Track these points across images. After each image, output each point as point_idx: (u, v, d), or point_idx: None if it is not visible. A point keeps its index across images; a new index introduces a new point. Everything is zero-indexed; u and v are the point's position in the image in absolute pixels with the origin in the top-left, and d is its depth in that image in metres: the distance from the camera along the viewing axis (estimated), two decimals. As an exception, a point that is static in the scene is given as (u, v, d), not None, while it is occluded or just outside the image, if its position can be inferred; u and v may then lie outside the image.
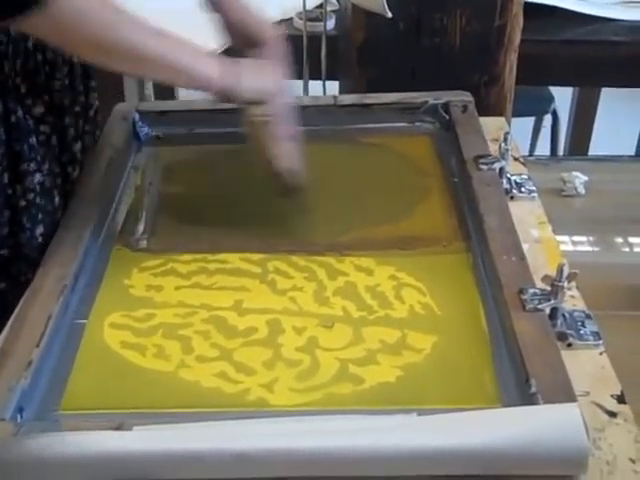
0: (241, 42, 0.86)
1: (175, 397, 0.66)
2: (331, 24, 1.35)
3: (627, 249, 0.98)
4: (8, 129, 0.80)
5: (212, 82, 0.78)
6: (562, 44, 1.39)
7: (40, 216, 0.83)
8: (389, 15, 1.08)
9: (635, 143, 1.85)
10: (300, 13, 1.32)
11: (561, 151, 2.00)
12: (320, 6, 1.30)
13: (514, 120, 1.24)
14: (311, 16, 1.31)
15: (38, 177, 0.83)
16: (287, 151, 0.82)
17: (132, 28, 0.74)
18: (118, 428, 0.59)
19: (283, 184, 0.83)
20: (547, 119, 2.02)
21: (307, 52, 1.26)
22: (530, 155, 1.85)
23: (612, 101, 2.01)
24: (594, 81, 1.65)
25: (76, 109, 0.90)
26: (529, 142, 2.10)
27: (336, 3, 1.42)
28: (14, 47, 0.81)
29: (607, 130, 2.04)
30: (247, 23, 0.86)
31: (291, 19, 1.39)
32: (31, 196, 0.83)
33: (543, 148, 2.05)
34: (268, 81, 0.81)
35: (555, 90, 1.96)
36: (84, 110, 0.92)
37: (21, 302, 0.72)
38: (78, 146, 0.91)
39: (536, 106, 1.96)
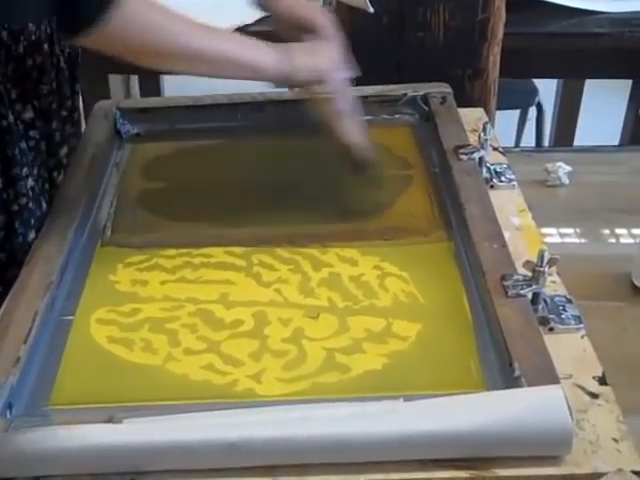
0: (292, 30, 0.87)
1: (164, 390, 0.66)
2: (314, 20, 1.35)
3: (612, 239, 0.99)
4: (0, 134, 0.81)
5: (270, 70, 0.79)
6: (545, 37, 1.39)
7: (32, 221, 0.84)
8: (371, 10, 1.09)
9: (619, 134, 1.85)
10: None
11: (546, 143, 2.00)
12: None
13: (499, 113, 1.24)
14: (294, 13, 1.31)
15: (30, 182, 0.83)
16: (352, 126, 0.84)
17: (183, 26, 0.76)
18: (108, 421, 0.59)
19: (354, 159, 0.84)
20: (532, 111, 2.02)
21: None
22: (516, 147, 1.86)
23: (596, 92, 2.02)
24: (578, 73, 1.66)
25: (63, 113, 0.90)
26: (514, 134, 2.11)
27: (319, -1, 1.42)
28: (6, 52, 0.81)
29: (592, 121, 2.05)
30: (296, 11, 0.88)
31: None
32: (23, 201, 0.83)
33: (529, 140, 2.06)
34: (322, 60, 0.82)
35: (539, 82, 1.97)
36: (70, 114, 0.92)
37: (7, 299, 0.73)
38: (64, 151, 0.91)
39: (521, 99, 1.97)
